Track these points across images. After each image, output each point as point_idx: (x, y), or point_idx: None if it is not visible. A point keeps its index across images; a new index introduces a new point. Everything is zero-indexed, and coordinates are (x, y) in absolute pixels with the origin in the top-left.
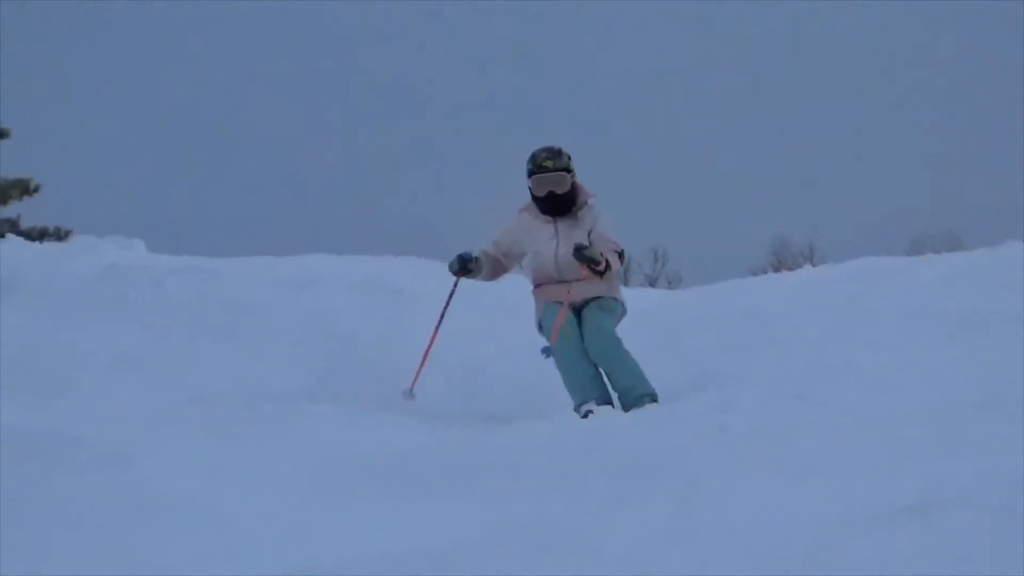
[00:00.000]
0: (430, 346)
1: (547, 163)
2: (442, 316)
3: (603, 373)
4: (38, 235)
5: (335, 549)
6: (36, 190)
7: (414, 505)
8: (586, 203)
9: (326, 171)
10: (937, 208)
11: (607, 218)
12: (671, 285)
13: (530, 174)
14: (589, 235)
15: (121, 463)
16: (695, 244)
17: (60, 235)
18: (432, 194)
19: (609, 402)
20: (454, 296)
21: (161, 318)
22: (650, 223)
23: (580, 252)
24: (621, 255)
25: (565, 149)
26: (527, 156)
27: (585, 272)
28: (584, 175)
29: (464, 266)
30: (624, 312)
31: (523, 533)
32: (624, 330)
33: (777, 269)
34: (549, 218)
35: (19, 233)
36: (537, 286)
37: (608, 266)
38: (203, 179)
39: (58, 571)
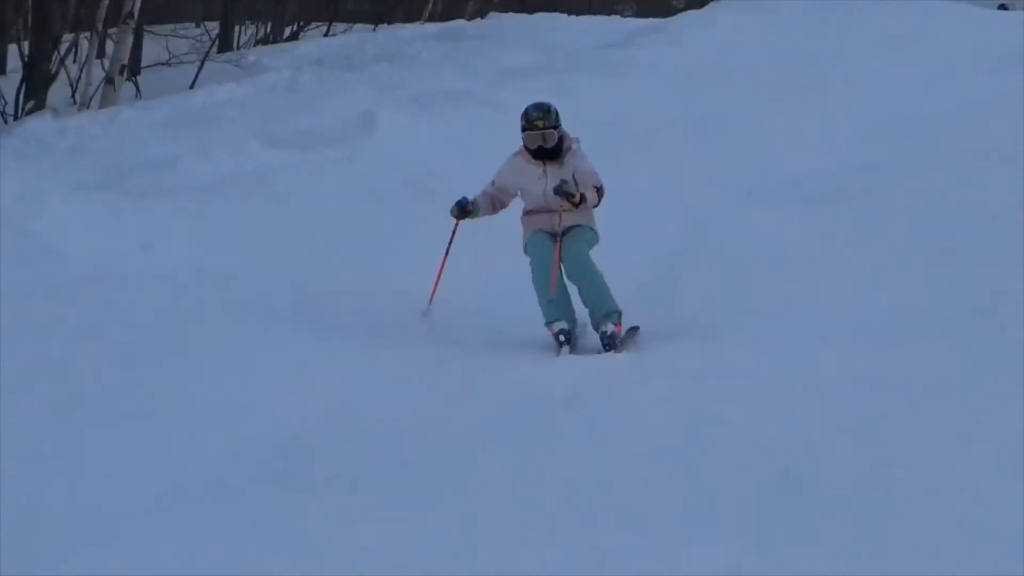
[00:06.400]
0: (438, 279)
1: (538, 122)
2: (445, 257)
3: (577, 289)
4: None
5: None
6: None
7: None
8: (570, 148)
9: None
10: None
11: (586, 159)
12: None
13: (523, 129)
14: (573, 175)
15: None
16: None
17: None
18: None
19: (574, 325)
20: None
21: (671, 79)
22: None
23: (559, 188)
24: (600, 189)
25: (554, 106)
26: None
27: (565, 204)
28: None
29: (463, 209)
30: (598, 240)
31: None
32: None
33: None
34: (540, 162)
35: None
36: (527, 213)
37: (583, 199)
38: None
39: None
